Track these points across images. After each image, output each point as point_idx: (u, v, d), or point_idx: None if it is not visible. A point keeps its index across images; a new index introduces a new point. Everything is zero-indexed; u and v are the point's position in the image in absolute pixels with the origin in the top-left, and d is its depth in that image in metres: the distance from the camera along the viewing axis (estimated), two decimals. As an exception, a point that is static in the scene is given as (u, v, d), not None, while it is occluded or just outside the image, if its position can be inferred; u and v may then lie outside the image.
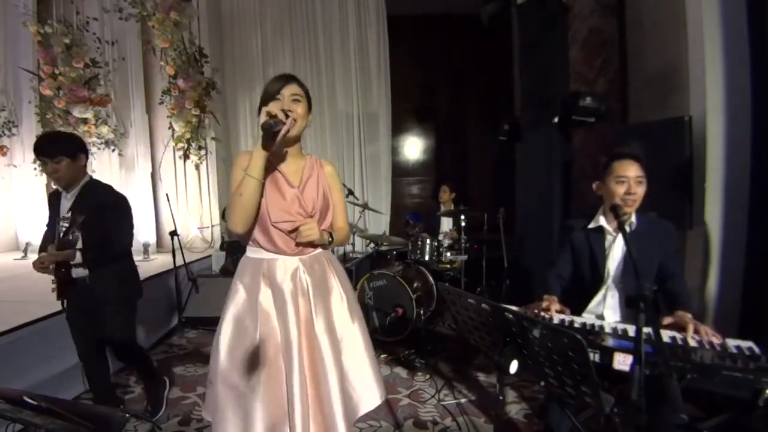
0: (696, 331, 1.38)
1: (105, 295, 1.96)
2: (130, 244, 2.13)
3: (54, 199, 2.03)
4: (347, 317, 1.45)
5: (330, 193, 1.48)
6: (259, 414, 1.28)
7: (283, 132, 1.28)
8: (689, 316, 1.45)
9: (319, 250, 1.46)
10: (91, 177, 2.05)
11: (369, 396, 1.45)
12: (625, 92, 3.11)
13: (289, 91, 1.37)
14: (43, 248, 1.94)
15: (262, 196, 1.33)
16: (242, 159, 1.35)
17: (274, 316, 1.35)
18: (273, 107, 1.31)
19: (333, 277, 1.47)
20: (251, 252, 1.42)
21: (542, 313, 1.60)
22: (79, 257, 1.85)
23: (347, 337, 1.43)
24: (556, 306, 1.60)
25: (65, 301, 1.98)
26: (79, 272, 1.93)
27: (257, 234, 1.38)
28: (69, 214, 1.85)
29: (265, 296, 1.36)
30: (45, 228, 2.05)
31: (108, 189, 2.07)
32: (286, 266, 1.38)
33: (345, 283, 1.50)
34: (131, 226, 2.09)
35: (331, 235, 1.44)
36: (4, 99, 4.48)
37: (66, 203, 1.97)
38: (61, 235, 1.81)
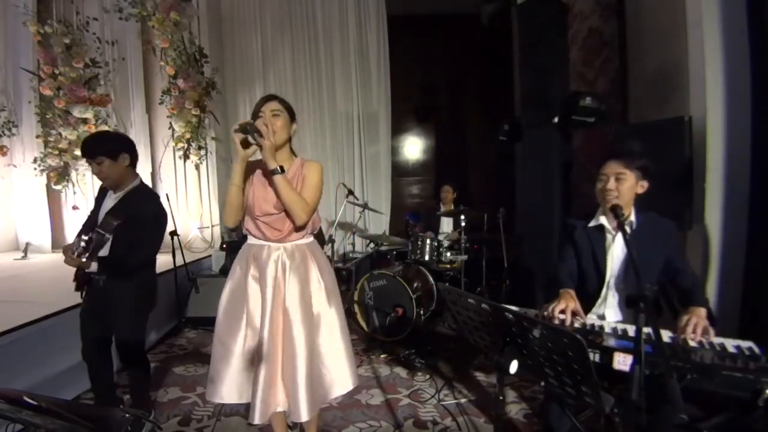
0: (692, 329, 1.36)
1: (118, 300, 1.94)
2: (154, 256, 2.07)
3: (101, 195, 2.02)
4: (324, 301, 1.67)
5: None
6: (239, 369, 1.59)
7: (264, 145, 1.52)
8: (702, 312, 1.40)
9: (302, 240, 1.69)
10: (140, 182, 2.01)
11: (342, 380, 1.66)
12: (625, 92, 3.11)
13: (269, 108, 1.61)
14: (79, 235, 1.88)
15: (249, 194, 1.62)
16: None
17: (259, 291, 1.63)
18: (258, 123, 1.55)
19: (313, 265, 1.68)
20: (248, 239, 1.72)
21: (559, 315, 1.52)
22: (94, 267, 1.83)
23: (323, 318, 1.65)
24: (572, 305, 1.53)
25: (83, 293, 1.98)
26: (95, 272, 1.92)
27: (248, 224, 1.68)
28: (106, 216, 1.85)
29: (254, 275, 1.65)
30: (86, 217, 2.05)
31: (151, 199, 2.01)
32: (270, 252, 1.64)
33: (325, 272, 1.70)
34: (160, 240, 2.04)
35: (282, 169, 1.54)
36: (4, 99, 4.47)
37: (109, 203, 1.95)
38: (92, 234, 1.78)
